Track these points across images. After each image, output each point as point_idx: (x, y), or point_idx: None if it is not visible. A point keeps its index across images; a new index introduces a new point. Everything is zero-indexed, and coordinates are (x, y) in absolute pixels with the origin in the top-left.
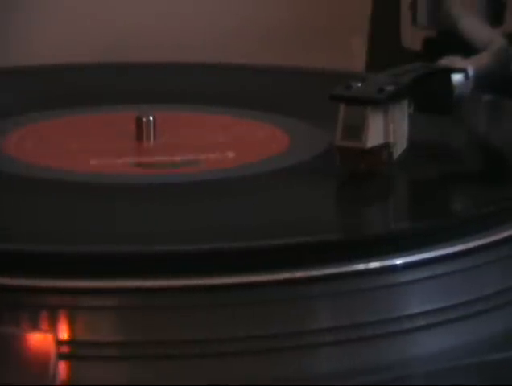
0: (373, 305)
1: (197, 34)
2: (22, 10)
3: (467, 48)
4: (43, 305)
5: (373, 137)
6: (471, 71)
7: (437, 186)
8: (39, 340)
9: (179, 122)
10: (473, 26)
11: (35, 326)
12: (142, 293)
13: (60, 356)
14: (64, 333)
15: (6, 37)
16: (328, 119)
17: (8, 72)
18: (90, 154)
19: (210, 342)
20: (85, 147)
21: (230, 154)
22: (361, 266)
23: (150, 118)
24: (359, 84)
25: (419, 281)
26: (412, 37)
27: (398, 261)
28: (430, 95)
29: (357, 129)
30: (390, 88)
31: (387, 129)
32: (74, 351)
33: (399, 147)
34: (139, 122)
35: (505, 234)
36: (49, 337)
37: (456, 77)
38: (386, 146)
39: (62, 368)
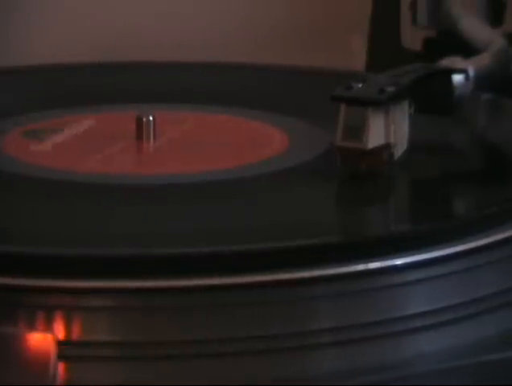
0: (373, 305)
1: (197, 34)
2: (22, 10)
3: (467, 48)
4: (44, 306)
5: (374, 137)
6: (471, 72)
7: (438, 187)
8: (39, 340)
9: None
10: (473, 26)
11: (35, 327)
12: (142, 294)
13: (60, 356)
14: (63, 333)
15: (6, 37)
16: (328, 119)
17: (8, 72)
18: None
19: (210, 343)
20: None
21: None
22: (361, 267)
23: (150, 118)
24: (360, 85)
25: (419, 282)
26: (412, 37)
27: (399, 262)
28: (430, 95)
29: (357, 130)
30: (390, 88)
31: (388, 130)
32: (74, 351)
33: (400, 148)
34: (139, 122)
35: (505, 234)
36: (49, 337)
37: (457, 78)
38: (386, 147)
39: (62, 368)
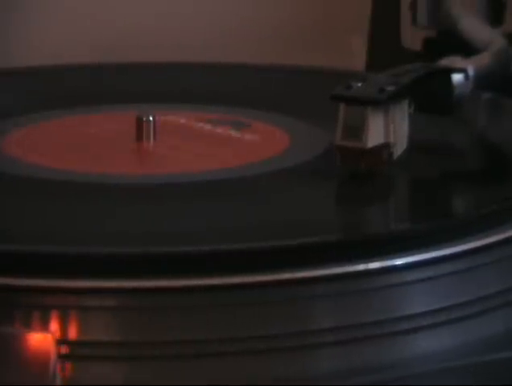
0: (373, 305)
1: (197, 35)
2: (22, 10)
3: (467, 48)
4: (43, 306)
5: (374, 137)
6: (471, 72)
7: (437, 187)
8: (39, 340)
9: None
10: (473, 26)
11: (34, 326)
12: (142, 294)
13: (60, 356)
14: (63, 333)
15: (6, 37)
16: (328, 119)
17: (8, 73)
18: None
19: (210, 343)
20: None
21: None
22: (361, 266)
23: (150, 118)
24: (359, 84)
25: (419, 282)
26: (412, 37)
27: (399, 262)
28: (430, 95)
29: (357, 129)
30: (390, 88)
31: (387, 129)
32: (74, 351)
33: (399, 147)
34: (139, 122)
35: (505, 234)
36: (49, 337)
37: (456, 77)
38: (386, 146)
39: (62, 368)
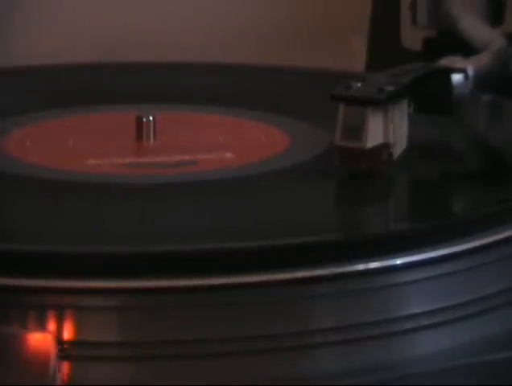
0: (373, 305)
1: (197, 34)
2: (22, 10)
3: (467, 48)
4: (43, 306)
5: (373, 137)
6: (471, 72)
7: (437, 187)
8: (38, 340)
9: (179, 122)
10: (473, 26)
11: (34, 326)
12: (143, 294)
13: (60, 356)
14: (63, 333)
15: (6, 37)
16: (328, 119)
17: (8, 72)
18: (90, 154)
19: (210, 343)
20: (85, 147)
21: (230, 154)
22: (361, 266)
23: (150, 118)
24: (359, 84)
25: (419, 281)
26: (412, 37)
27: (398, 261)
28: (430, 95)
29: (356, 130)
30: (389, 88)
31: (387, 129)
32: (74, 351)
33: (399, 147)
34: (139, 122)
35: (505, 234)
36: (49, 337)
37: (456, 77)
38: (385, 146)
39: (62, 368)
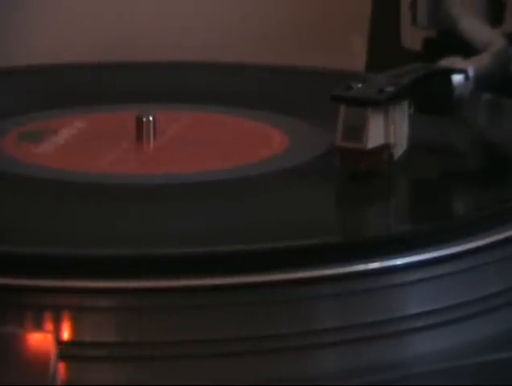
0: (373, 305)
1: (197, 34)
2: (22, 10)
3: (467, 48)
4: (43, 306)
5: (374, 138)
6: (471, 72)
7: (438, 187)
8: (39, 340)
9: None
10: (473, 26)
11: (35, 326)
12: (142, 294)
13: (60, 356)
14: (64, 333)
15: (6, 37)
16: (328, 119)
17: (8, 72)
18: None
19: (210, 343)
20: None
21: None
22: (361, 267)
23: (150, 118)
24: (359, 85)
25: (419, 282)
26: (412, 37)
27: (399, 262)
28: (430, 96)
29: (357, 130)
30: (390, 88)
31: (388, 130)
32: (74, 351)
33: (400, 148)
34: (139, 122)
35: (505, 235)
36: (49, 337)
37: (456, 78)
38: (386, 147)
39: (62, 368)
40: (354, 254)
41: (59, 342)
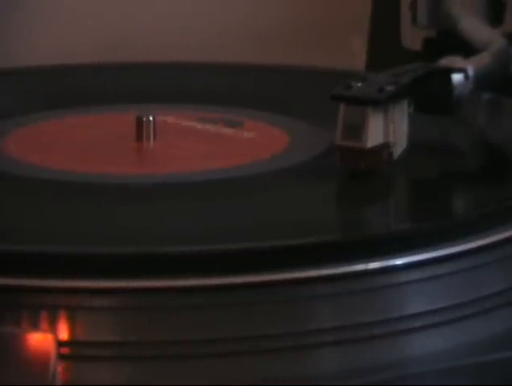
0: (373, 305)
1: (197, 34)
2: (22, 10)
3: (467, 48)
4: (43, 306)
5: (374, 136)
6: (471, 72)
7: (437, 186)
8: (39, 340)
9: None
10: (473, 26)
11: (35, 326)
12: (143, 294)
13: (60, 356)
14: (64, 333)
15: (6, 37)
16: (328, 119)
17: (8, 73)
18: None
19: (210, 343)
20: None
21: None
22: (361, 266)
23: (150, 118)
24: (359, 84)
25: (419, 282)
26: (412, 37)
27: (399, 262)
28: (430, 95)
29: (357, 129)
30: (390, 88)
31: (387, 129)
32: (74, 351)
33: (399, 147)
34: (139, 122)
35: (506, 234)
36: (49, 337)
37: (456, 77)
38: (386, 146)
39: (62, 368)
40: (353, 253)
41: (59, 342)
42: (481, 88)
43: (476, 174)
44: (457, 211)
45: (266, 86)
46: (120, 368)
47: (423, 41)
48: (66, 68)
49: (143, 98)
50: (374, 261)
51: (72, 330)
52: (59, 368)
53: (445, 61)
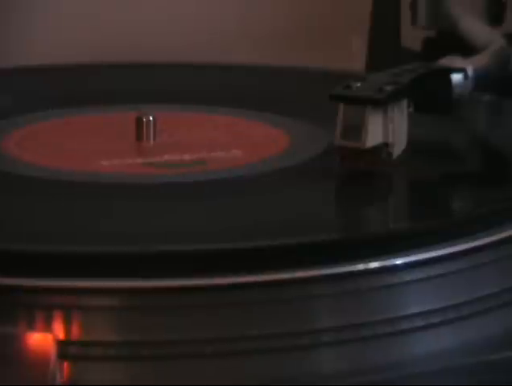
0: (372, 305)
1: (197, 35)
2: (22, 10)
3: (467, 48)
4: (43, 306)
5: (373, 136)
6: (470, 71)
7: (436, 186)
8: (39, 340)
9: (179, 122)
10: (473, 26)
11: (35, 326)
12: (143, 294)
13: (60, 356)
14: (63, 333)
15: (6, 37)
16: (328, 119)
17: (8, 72)
18: (90, 155)
19: (210, 342)
20: (85, 147)
21: (230, 155)
22: (360, 266)
23: (150, 118)
24: (358, 84)
25: (418, 281)
26: (412, 37)
27: (398, 261)
28: (429, 95)
29: (356, 129)
30: (389, 87)
31: (386, 129)
32: (74, 351)
33: (398, 147)
34: (139, 122)
35: (504, 234)
36: (49, 337)
37: (456, 77)
38: (385, 146)
39: (62, 368)
40: (353, 253)
41: (59, 342)
42: (481, 87)
43: (474, 174)
44: (456, 210)
45: (267, 86)
46: (120, 368)
47: (423, 41)
48: (66, 68)
49: (143, 98)
50: (374, 261)
51: (71, 330)
52: (59, 368)
53: (445, 61)
